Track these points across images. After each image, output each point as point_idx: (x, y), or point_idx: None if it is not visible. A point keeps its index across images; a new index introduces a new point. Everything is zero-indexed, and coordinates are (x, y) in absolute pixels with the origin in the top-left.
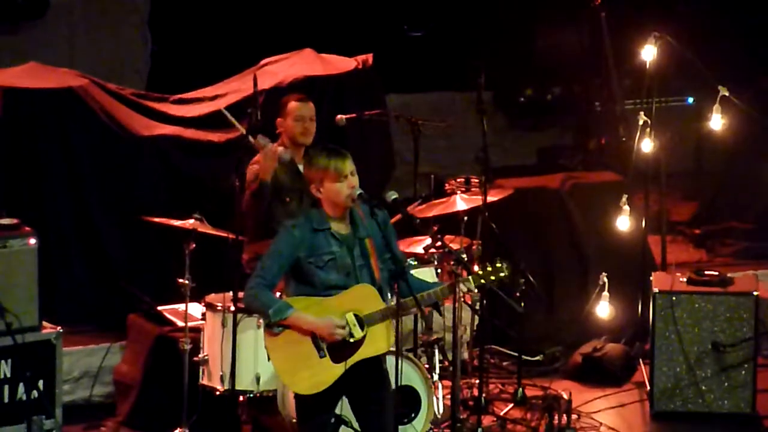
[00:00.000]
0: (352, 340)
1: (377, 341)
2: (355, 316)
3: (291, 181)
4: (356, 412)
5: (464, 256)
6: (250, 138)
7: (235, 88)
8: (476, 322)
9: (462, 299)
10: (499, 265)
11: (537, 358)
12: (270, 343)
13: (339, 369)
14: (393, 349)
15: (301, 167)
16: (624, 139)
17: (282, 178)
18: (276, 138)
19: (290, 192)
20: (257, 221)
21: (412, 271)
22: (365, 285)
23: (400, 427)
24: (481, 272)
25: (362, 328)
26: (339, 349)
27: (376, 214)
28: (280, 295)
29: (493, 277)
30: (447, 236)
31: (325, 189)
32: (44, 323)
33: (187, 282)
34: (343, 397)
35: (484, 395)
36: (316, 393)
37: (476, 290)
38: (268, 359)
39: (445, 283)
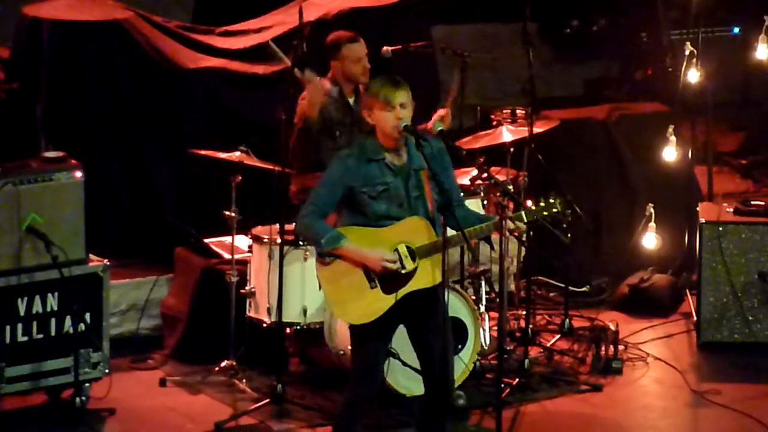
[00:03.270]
0: (403, 272)
1: (429, 273)
2: (407, 247)
3: (341, 116)
4: (413, 341)
5: (510, 187)
6: (296, 71)
7: (280, 20)
8: (523, 253)
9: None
10: (552, 200)
11: (584, 289)
12: (321, 272)
13: (390, 300)
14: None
15: (351, 101)
16: (670, 69)
17: (332, 113)
18: (324, 73)
19: (340, 126)
20: (305, 154)
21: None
22: (418, 217)
23: None
24: (534, 207)
25: (414, 260)
26: (390, 280)
27: (421, 145)
28: (334, 225)
29: (545, 213)
30: (493, 168)
31: (374, 116)
32: (91, 256)
33: (233, 214)
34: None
35: (530, 326)
36: (368, 322)
37: (525, 225)
38: (320, 288)
39: (496, 218)
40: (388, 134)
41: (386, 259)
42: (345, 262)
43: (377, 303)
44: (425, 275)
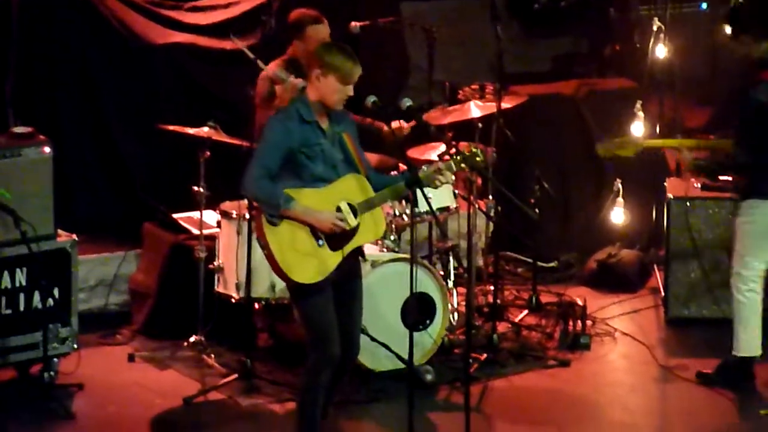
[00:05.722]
0: (347, 228)
1: (370, 228)
2: (349, 204)
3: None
4: (337, 302)
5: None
6: (269, 71)
7: None
8: (491, 228)
9: (477, 206)
10: (474, 150)
11: (552, 264)
12: (272, 235)
13: (337, 256)
14: (407, 255)
15: None
16: (638, 45)
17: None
18: (284, 49)
19: None
20: None
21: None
22: (354, 175)
23: (415, 333)
24: (458, 158)
25: (356, 216)
26: (336, 237)
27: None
28: None
29: (470, 162)
30: (461, 143)
31: (326, 81)
32: (59, 232)
33: (201, 190)
34: None
35: (498, 302)
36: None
37: (453, 175)
38: (264, 249)
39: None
40: (328, 102)
41: (338, 219)
42: (291, 222)
43: (327, 260)
44: (367, 230)
